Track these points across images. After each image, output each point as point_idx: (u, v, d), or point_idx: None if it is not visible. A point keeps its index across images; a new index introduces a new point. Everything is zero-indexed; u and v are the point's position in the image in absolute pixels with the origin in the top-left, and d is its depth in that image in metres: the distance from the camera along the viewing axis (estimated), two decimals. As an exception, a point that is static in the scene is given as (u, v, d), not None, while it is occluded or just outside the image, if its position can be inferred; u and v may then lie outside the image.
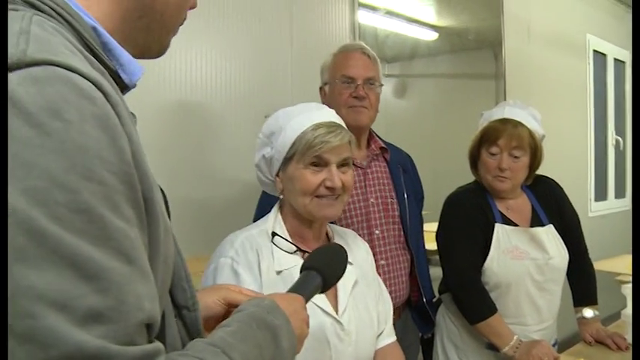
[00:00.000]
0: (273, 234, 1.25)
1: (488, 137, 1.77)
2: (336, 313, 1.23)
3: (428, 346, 1.92)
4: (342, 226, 1.64)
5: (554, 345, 1.85)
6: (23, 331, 0.44)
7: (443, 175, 2.87)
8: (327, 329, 1.19)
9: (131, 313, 0.48)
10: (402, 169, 1.82)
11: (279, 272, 1.20)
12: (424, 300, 1.78)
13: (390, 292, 1.66)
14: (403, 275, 1.74)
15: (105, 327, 0.46)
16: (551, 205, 1.88)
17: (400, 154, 1.89)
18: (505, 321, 1.72)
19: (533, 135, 1.77)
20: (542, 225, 1.82)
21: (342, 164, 1.26)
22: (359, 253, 1.40)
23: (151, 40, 0.67)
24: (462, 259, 1.76)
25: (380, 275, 1.65)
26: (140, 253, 0.51)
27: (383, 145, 1.80)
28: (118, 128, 0.51)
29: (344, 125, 1.29)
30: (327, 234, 1.38)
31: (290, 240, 1.27)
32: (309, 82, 2.03)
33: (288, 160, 1.25)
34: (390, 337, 1.39)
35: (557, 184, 1.95)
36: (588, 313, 1.83)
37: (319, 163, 1.24)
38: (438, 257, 1.85)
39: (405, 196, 1.77)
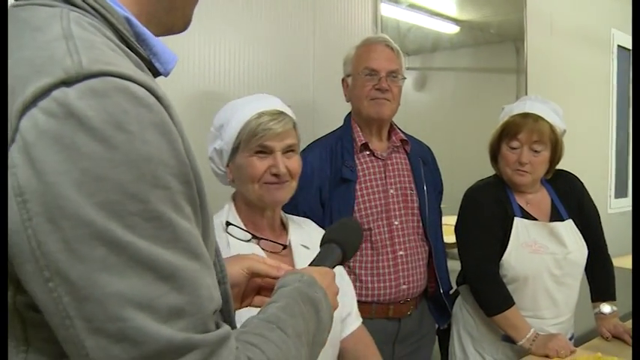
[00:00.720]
0: (228, 224, 1.28)
1: (509, 131, 1.78)
2: None
3: (444, 336, 1.94)
4: (360, 217, 1.67)
5: (570, 339, 1.86)
6: (116, 332, 0.48)
7: (462, 168, 2.87)
8: None
9: (205, 305, 0.53)
10: (422, 162, 1.84)
11: None
12: (441, 291, 1.80)
13: (408, 283, 1.70)
14: (421, 266, 1.76)
15: (185, 320, 0.51)
16: (571, 200, 1.89)
17: (421, 147, 1.91)
18: (523, 314, 1.74)
19: (554, 129, 1.77)
20: (562, 219, 1.83)
21: (287, 150, 1.29)
22: (314, 238, 1.38)
23: (174, 17, 0.68)
24: (480, 251, 1.77)
25: (398, 265, 1.68)
26: (202, 247, 0.55)
27: (404, 138, 1.81)
28: (173, 131, 0.53)
29: (289, 112, 1.32)
30: (282, 222, 1.39)
31: (244, 228, 1.29)
32: (331, 73, 2.04)
33: (235, 150, 1.29)
34: (356, 322, 1.42)
35: (578, 178, 1.96)
36: (606, 308, 1.84)
37: (264, 150, 1.27)
38: (455, 250, 1.87)
39: (425, 188, 1.79)
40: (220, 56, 1.97)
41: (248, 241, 1.28)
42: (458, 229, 1.87)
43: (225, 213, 1.32)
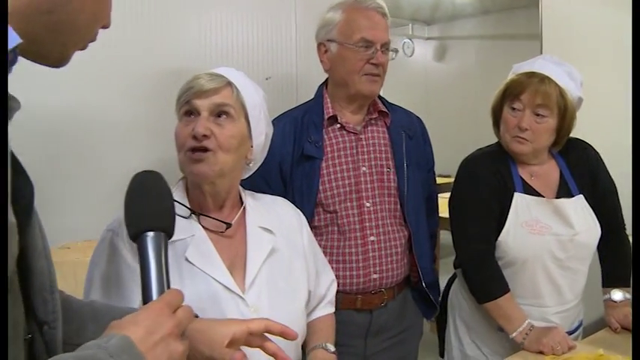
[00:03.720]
0: None
1: (512, 91, 1.57)
2: (243, 286, 1.11)
3: (441, 324, 1.77)
4: (325, 197, 1.51)
5: (577, 327, 1.67)
6: None
7: (486, 141, 2.68)
8: (225, 306, 1.08)
9: None
10: (405, 135, 1.63)
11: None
12: (423, 282, 1.61)
13: (380, 272, 1.53)
14: (398, 254, 1.57)
15: None
16: (585, 174, 1.65)
17: (408, 118, 1.71)
18: (521, 302, 1.56)
19: (564, 94, 1.54)
20: (571, 196, 1.60)
21: (219, 114, 1.13)
22: (286, 221, 1.28)
23: (53, 44, 0.60)
24: (474, 229, 1.58)
25: (369, 252, 1.51)
26: None
27: (382, 109, 1.62)
28: None
29: (231, 78, 1.16)
30: (241, 201, 1.24)
31: (185, 205, 1.15)
32: (314, 43, 1.87)
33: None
34: (326, 309, 1.32)
35: (594, 149, 1.71)
36: (617, 295, 1.62)
37: (191, 111, 1.13)
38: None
39: (406, 165, 1.59)
40: (200, 28, 1.83)
41: (188, 217, 1.15)
42: (450, 203, 1.66)
43: (174, 190, 1.19)
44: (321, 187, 1.51)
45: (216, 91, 1.13)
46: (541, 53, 2.76)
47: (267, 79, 1.95)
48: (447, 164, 2.12)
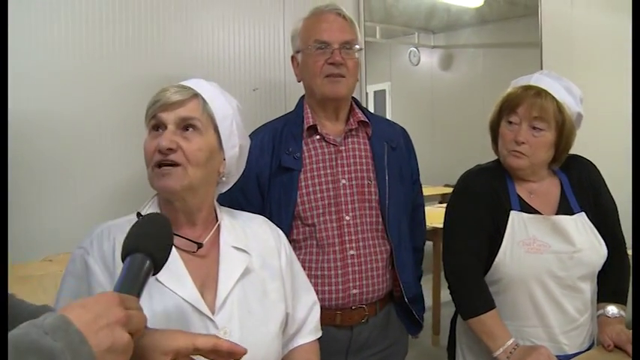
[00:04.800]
0: (138, 215, 1.08)
1: (509, 104, 1.53)
2: (212, 308, 1.07)
3: (451, 350, 1.70)
4: (304, 210, 1.48)
5: (589, 348, 1.59)
6: None
7: (492, 150, 2.65)
8: (193, 328, 1.03)
9: None
10: (388, 146, 1.60)
11: None
12: (405, 298, 1.56)
13: (360, 287, 1.49)
14: (380, 268, 1.53)
15: None
16: (586, 191, 1.60)
17: (391, 129, 1.67)
18: (526, 324, 1.51)
19: (561, 108, 1.50)
20: (572, 213, 1.55)
21: (186, 127, 1.10)
22: (263, 240, 1.22)
23: None
24: (462, 243, 1.53)
25: (348, 267, 1.47)
26: None
27: (363, 119, 1.58)
28: None
29: (199, 90, 1.13)
30: (216, 218, 1.20)
31: None
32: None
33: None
34: (309, 336, 1.25)
35: (595, 166, 1.66)
36: (611, 310, 1.56)
37: (158, 125, 1.10)
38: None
39: (387, 177, 1.55)
40: (187, 39, 1.82)
41: None
42: (445, 216, 1.62)
43: (146, 207, 1.17)
44: (299, 200, 1.48)
45: (181, 104, 1.10)
46: (541, 61, 2.71)
47: (254, 90, 1.94)
48: (453, 173, 2.08)
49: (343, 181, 1.51)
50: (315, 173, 1.50)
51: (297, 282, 1.26)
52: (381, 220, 1.54)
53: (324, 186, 1.50)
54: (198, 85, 1.15)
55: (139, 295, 0.75)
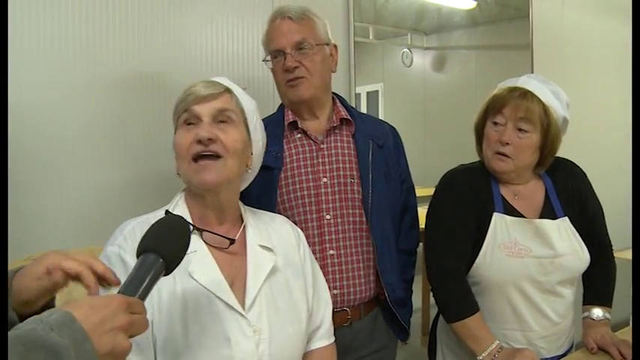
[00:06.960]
0: (167, 212, 1.09)
1: (494, 105, 1.52)
2: (243, 305, 1.07)
3: (431, 352, 1.69)
4: (285, 208, 1.46)
5: (568, 351, 1.59)
6: None
7: None
8: (227, 324, 1.04)
9: None
10: (374, 144, 1.57)
11: None
12: (388, 301, 1.54)
13: (340, 288, 1.47)
14: (361, 269, 1.51)
15: None
16: (572, 195, 1.58)
17: (378, 127, 1.64)
18: (505, 327, 1.50)
19: (547, 111, 1.49)
20: (555, 217, 1.53)
21: (221, 120, 1.11)
22: (285, 239, 1.23)
23: None
24: (445, 244, 1.51)
25: (328, 267, 1.46)
26: None
27: (345, 116, 1.56)
28: None
29: (227, 84, 1.15)
30: (241, 218, 1.21)
31: (189, 221, 1.10)
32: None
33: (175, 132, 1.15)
34: (325, 340, 1.24)
35: (581, 170, 1.65)
36: (596, 313, 1.56)
37: (191, 119, 1.10)
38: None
39: (371, 176, 1.53)
40: (169, 37, 1.81)
41: (191, 232, 1.12)
42: (427, 215, 1.60)
43: (173, 205, 1.17)
44: (279, 199, 1.46)
45: (215, 97, 1.12)
46: (532, 63, 2.71)
47: (243, 89, 1.92)
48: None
49: (324, 180, 1.49)
50: (296, 172, 1.48)
51: (317, 280, 1.27)
52: (364, 219, 1.51)
53: (305, 184, 1.48)
54: (224, 81, 1.18)
55: (146, 294, 0.76)
